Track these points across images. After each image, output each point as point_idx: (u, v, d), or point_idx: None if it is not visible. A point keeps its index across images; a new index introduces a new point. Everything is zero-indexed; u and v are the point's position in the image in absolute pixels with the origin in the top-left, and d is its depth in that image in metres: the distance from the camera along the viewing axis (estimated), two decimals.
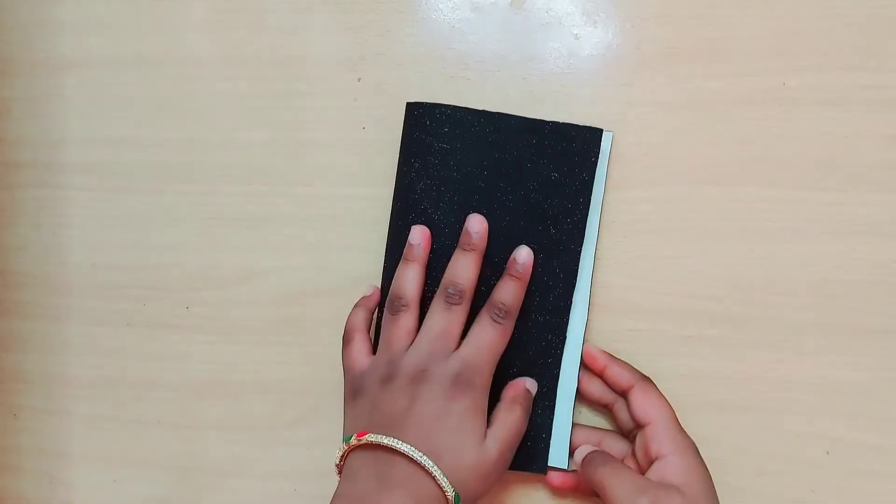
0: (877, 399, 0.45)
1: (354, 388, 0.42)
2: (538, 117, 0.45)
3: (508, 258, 0.44)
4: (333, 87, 0.49)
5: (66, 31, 0.52)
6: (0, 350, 0.53)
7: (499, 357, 0.42)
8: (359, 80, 0.49)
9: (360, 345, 0.44)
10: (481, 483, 0.40)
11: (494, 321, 0.41)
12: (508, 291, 0.42)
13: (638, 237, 0.46)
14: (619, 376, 0.44)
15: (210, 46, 0.50)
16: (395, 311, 0.43)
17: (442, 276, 0.43)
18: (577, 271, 0.45)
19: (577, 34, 0.47)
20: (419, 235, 0.44)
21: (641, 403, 0.43)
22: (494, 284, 0.44)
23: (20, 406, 0.53)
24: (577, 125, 0.45)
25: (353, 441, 0.39)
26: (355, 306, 0.46)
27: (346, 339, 0.45)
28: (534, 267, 0.44)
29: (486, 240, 0.43)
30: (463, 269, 0.42)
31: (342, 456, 0.41)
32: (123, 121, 0.51)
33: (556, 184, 0.45)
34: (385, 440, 0.38)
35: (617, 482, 0.40)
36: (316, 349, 0.49)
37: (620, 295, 0.46)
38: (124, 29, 0.51)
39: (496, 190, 0.45)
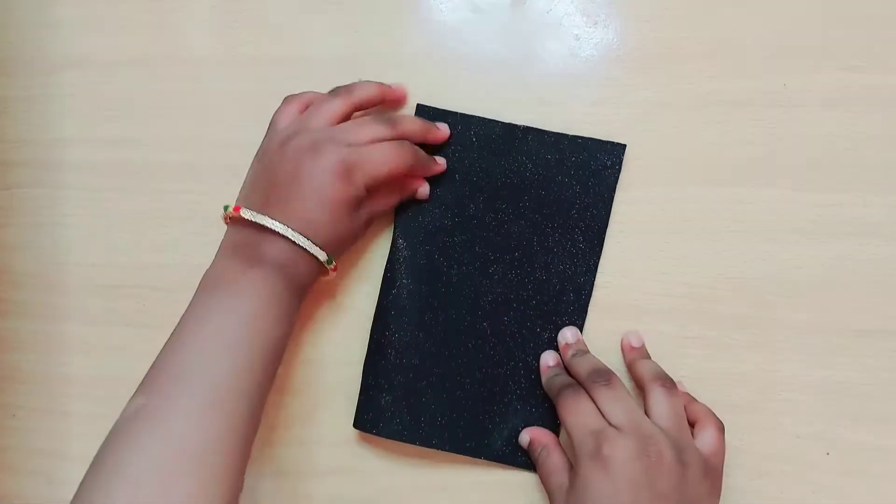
0: (877, 399, 0.45)
1: (262, 143, 0.45)
2: (539, 118, 0.46)
3: (520, 262, 0.46)
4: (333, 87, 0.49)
5: (65, 31, 0.52)
6: None
7: (388, 173, 0.43)
8: (359, 80, 0.49)
9: (289, 107, 0.45)
10: (352, 242, 0.45)
11: (403, 147, 0.43)
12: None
13: (638, 237, 0.46)
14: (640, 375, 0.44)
15: (210, 46, 0.50)
16: (334, 94, 0.45)
17: (437, 275, 0.45)
18: (594, 279, 0.46)
19: (577, 35, 0.47)
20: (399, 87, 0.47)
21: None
22: (502, 287, 0.46)
23: (19, 406, 0.53)
24: (600, 140, 0.46)
25: (229, 213, 0.42)
26: (312, 92, 0.47)
27: (287, 100, 0.46)
28: (551, 274, 0.46)
29: (441, 139, 0.47)
30: (412, 121, 0.45)
31: (224, 219, 0.43)
32: (122, 120, 0.51)
33: (576, 195, 0.46)
34: (257, 218, 0.41)
35: (574, 417, 0.41)
36: (316, 349, 0.49)
37: (620, 295, 0.46)
38: (124, 28, 0.51)
39: (513, 199, 0.46)
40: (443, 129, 0.47)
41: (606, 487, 0.37)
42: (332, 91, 0.45)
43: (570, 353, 0.45)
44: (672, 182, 0.46)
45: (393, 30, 0.49)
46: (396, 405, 0.46)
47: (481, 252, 0.47)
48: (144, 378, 0.38)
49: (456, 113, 0.47)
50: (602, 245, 0.46)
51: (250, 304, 0.39)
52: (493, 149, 0.47)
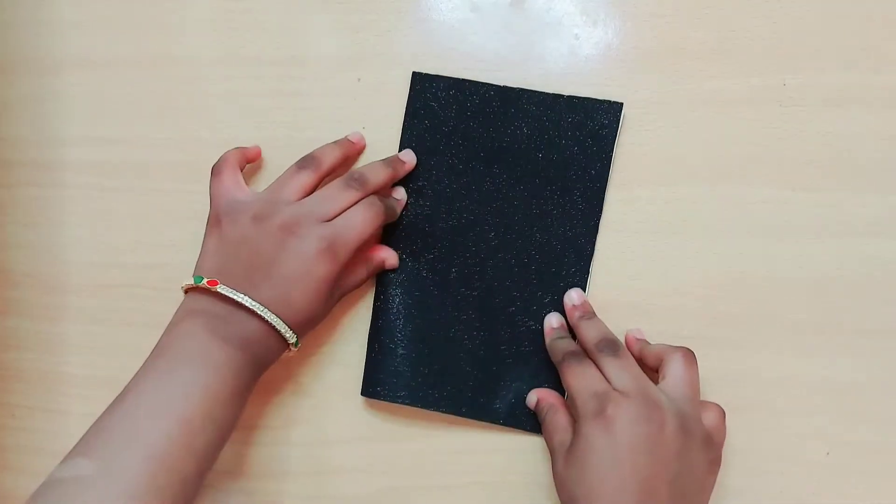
0: (877, 399, 0.45)
1: (224, 214, 0.43)
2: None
3: (519, 226, 0.46)
4: (333, 87, 0.49)
5: (65, 31, 0.52)
6: None
7: (365, 237, 0.43)
8: (359, 80, 0.49)
9: (232, 176, 0.45)
10: (319, 321, 0.44)
11: (374, 207, 0.44)
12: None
13: (638, 237, 0.46)
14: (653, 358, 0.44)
15: (210, 46, 0.50)
16: (302, 167, 0.45)
17: (438, 242, 0.47)
18: (595, 241, 0.46)
19: (577, 34, 0.47)
20: (358, 138, 0.48)
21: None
22: (503, 252, 0.46)
23: (18, 405, 0.53)
24: (597, 99, 0.46)
25: (204, 284, 0.41)
26: (232, 150, 0.47)
27: (217, 171, 0.46)
28: (551, 236, 0.46)
29: (408, 169, 0.47)
30: (376, 172, 0.45)
31: (186, 289, 0.43)
32: (122, 120, 0.51)
33: (574, 156, 0.46)
34: (236, 296, 0.40)
35: (579, 381, 0.41)
36: (315, 349, 0.49)
37: (620, 295, 0.46)
38: (124, 28, 0.51)
39: (511, 162, 0.47)
40: (407, 159, 0.47)
41: (607, 448, 0.38)
42: (297, 162, 0.45)
43: (576, 314, 0.45)
44: (672, 181, 0.46)
45: (393, 30, 0.49)
46: (402, 371, 0.47)
47: (480, 217, 0.47)
48: (87, 435, 0.38)
49: (449, 78, 0.47)
50: (602, 205, 0.46)
51: (211, 382, 0.39)
52: (487, 112, 0.47)
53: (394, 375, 0.47)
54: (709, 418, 0.41)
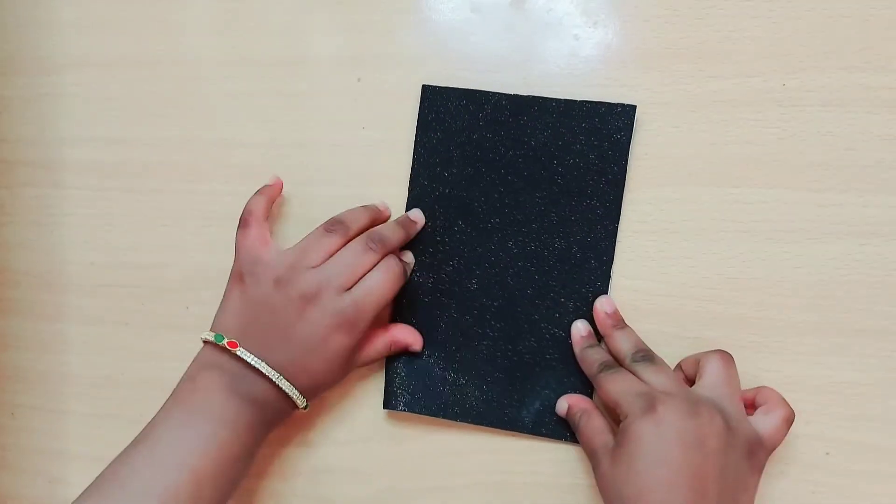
0: (877, 399, 0.45)
1: (248, 273, 0.44)
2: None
3: (538, 234, 0.46)
4: (333, 87, 0.49)
5: (66, 31, 0.52)
6: None
7: (386, 302, 0.44)
8: (359, 80, 0.49)
9: (259, 231, 0.46)
10: (332, 387, 0.45)
11: (392, 270, 0.44)
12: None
13: (638, 237, 0.46)
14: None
15: (210, 46, 0.50)
16: (330, 231, 0.45)
17: (457, 254, 0.47)
18: (614, 247, 0.46)
19: (577, 35, 0.47)
20: (385, 207, 0.48)
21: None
22: (523, 260, 0.47)
23: (18, 405, 0.53)
24: (609, 103, 0.46)
25: (224, 345, 0.42)
26: (257, 193, 0.47)
27: (244, 222, 0.46)
28: (571, 243, 0.46)
29: (418, 229, 0.47)
30: (394, 232, 0.46)
31: (206, 341, 0.44)
32: (123, 120, 0.51)
33: (590, 162, 0.46)
34: (253, 361, 0.42)
35: (619, 386, 0.41)
36: None
37: (620, 296, 0.46)
38: (124, 28, 0.51)
39: (526, 170, 0.47)
40: (417, 218, 0.48)
41: (658, 444, 0.38)
42: (324, 224, 0.45)
43: (609, 324, 0.45)
44: (672, 182, 0.46)
45: (393, 30, 0.49)
46: (425, 384, 0.47)
47: (498, 227, 0.47)
48: (100, 481, 0.39)
49: (459, 89, 0.47)
50: (620, 209, 0.46)
51: (225, 438, 0.40)
52: (500, 121, 0.47)
53: (417, 388, 0.47)
54: (765, 422, 0.41)
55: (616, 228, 0.46)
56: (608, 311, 0.45)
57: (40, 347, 0.52)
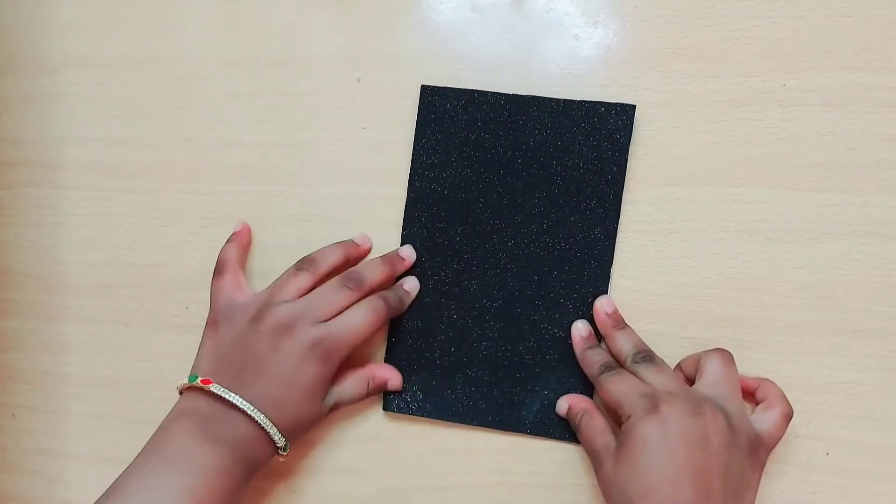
0: (877, 399, 0.45)
1: (222, 317, 0.45)
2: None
3: (538, 234, 0.46)
4: (333, 87, 0.49)
5: (65, 31, 0.52)
6: None
7: (363, 338, 0.43)
8: (359, 80, 0.49)
9: (233, 277, 0.46)
10: (311, 427, 0.45)
11: (373, 307, 0.44)
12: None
13: (638, 237, 0.46)
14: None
15: (210, 46, 0.50)
16: (299, 269, 0.45)
17: (456, 254, 0.47)
18: (614, 247, 0.46)
19: (577, 35, 0.47)
20: (363, 240, 0.48)
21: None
22: (523, 260, 0.47)
23: (18, 406, 0.53)
24: (608, 103, 0.46)
25: (197, 384, 0.42)
26: (228, 241, 0.48)
27: (219, 270, 0.47)
28: (571, 243, 0.46)
29: (408, 266, 0.47)
30: (372, 270, 0.46)
31: (184, 388, 0.43)
32: (122, 120, 0.51)
33: (589, 161, 0.46)
34: (227, 395, 0.41)
35: (622, 386, 0.41)
36: None
37: (620, 295, 0.46)
38: (124, 28, 0.51)
39: (526, 170, 0.47)
40: (406, 255, 0.47)
41: (662, 443, 0.38)
42: (296, 264, 0.46)
43: (609, 324, 0.45)
44: (672, 182, 0.46)
45: (393, 30, 0.49)
46: (426, 385, 0.47)
47: (498, 227, 0.47)
48: None
49: (458, 89, 0.47)
50: (619, 209, 0.46)
51: (196, 487, 0.39)
52: (499, 122, 0.47)
53: (416, 389, 0.47)
54: (764, 419, 0.41)
55: (616, 228, 0.46)
56: (608, 312, 0.45)
57: (40, 348, 0.52)
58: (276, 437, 0.42)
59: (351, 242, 0.47)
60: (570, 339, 0.46)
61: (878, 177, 0.45)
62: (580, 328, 0.46)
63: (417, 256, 0.48)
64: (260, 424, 0.41)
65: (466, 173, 0.47)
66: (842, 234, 0.45)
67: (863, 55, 0.44)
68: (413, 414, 0.47)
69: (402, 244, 0.48)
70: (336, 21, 0.49)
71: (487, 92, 0.47)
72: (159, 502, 0.38)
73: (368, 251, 0.48)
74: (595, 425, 0.43)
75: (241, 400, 0.41)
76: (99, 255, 0.52)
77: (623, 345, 0.44)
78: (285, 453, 0.43)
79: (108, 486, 0.39)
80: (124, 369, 0.52)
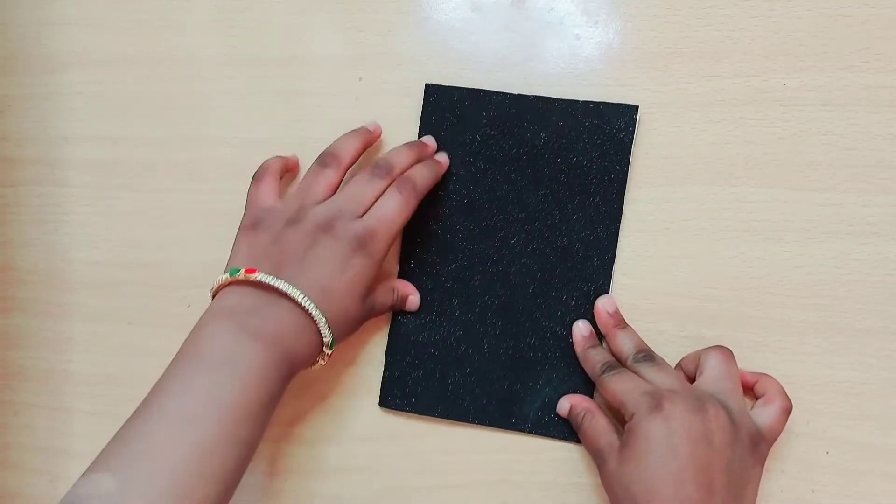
0: (877, 399, 0.45)
1: (256, 221, 0.43)
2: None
3: (540, 232, 0.46)
4: (334, 87, 0.49)
5: (68, 29, 0.52)
6: (1, 347, 0.53)
7: (400, 226, 0.43)
8: (360, 79, 0.49)
9: (271, 184, 0.45)
10: (352, 331, 0.43)
11: (402, 192, 0.43)
12: (419, 169, 0.45)
13: (638, 237, 0.46)
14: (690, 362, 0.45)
15: (211, 45, 0.51)
16: (324, 165, 0.44)
17: (459, 251, 0.47)
18: (616, 245, 0.46)
19: (578, 34, 0.47)
20: (375, 126, 0.47)
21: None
22: (526, 258, 0.47)
23: (21, 403, 0.53)
24: (612, 103, 0.46)
25: (240, 276, 0.39)
26: (273, 158, 0.48)
27: (258, 177, 0.46)
28: (573, 241, 0.46)
29: (432, 151, 0.47)
30: (401, 156, 0.45)
31: (220, 286, 0.40)
32: (125, 119, 0.52)
33: (592, 160, 0.46)
34: (275, 282, 0.39)
35: (624, 385, 0.41)
36: None
37: (621, 294, 0.46)
38: (126, 27, 0.52)
39: (529, 169, 0.47)
40: (430, 142, 0.47)
41: (666, 440, 0.38)
42: (318, 160, 0.45)
43: (611, 324, 0.45)
44: (672, 182, 0.46)
45: (393, 29, 0.49)
46: (426, 381, 0.47)
47: (501, 224, 0.47)
48: (108, 448, 0.36)
49: (463, 88, 0.47)
50: (622, 208, 0.46)
51: (237, 394, 0.36)
52: (503, 121, 0.47)
53: (416, 386, 0.47)
54: (764, 415, 0.42)
55: (618, 227, 0.46)
56: (610, 311, 0.45)
57: (43, 346, 0.53)
58: (325, 330, 0.40)
59: (364, 129, 0.47)
60: (571, 338, 0.46)
61: (878, 177, 0.45)
62: (581, 328, 0.46)
63: (420, 255, 0.48)
64: (309, 314, 0.39)
65: (470, 171, 0.47)
66: (842, 233, 0.45)
67: (862, 55, 0.44)
68: (411, 411, 0.47)
69: (403, 241, 0.48)
70: (337, 20, 0.49)
71: (491, 91, 0.47)
72: (197, 414, 0.36)
73: (380, 136, 0.48)
74: (597, 425, 0.43)
75: (290, 287, 0.39)
76: (101, 253, 0.52)
77: (624, 344, 0.44)
78: (329, 352, 0.41)
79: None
80: (127, 367, 0.52)
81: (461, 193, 0.47)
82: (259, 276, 0.39)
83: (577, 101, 0.46)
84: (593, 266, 0.46)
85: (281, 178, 0.47)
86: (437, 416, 0.47)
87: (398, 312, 0.48)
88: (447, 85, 0.48)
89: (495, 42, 0.48)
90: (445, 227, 0.48)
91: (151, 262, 0.51)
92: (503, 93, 0.47)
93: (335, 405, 0.49)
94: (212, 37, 0.51)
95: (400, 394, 0.47)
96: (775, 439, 0.42)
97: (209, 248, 0.50)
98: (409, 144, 0.46)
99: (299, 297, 0.39)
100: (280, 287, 0.39)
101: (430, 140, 0.47)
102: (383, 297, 0.45)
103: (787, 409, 0.42)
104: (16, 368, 0.53)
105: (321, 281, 0.40)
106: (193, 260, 0.51)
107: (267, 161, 0.47)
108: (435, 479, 0.48)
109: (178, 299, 0.51)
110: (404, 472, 0.48)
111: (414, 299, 0.47)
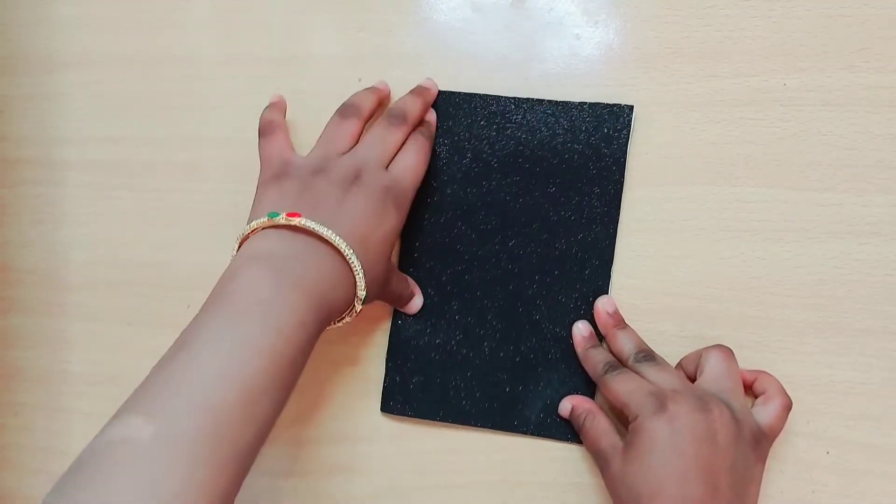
0: (877, 399, 0.45)
1: (279, 171, 0.42)
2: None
3: (538, 234, 0.46)
4: (334, 87, 0.49)
5: (67, 29, 0.52)
6: (1, 347, 0.53)
7: (420, 179, 0.44)
8: (359, 79, 0.49)
9: (283, 136, 0.45)
10: (380, 291, 0.42)
11: (420, 144, 0.44)
12: (414, 106, 0.45)
13: (638, 237, 0.46)
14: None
15: (211, 45, 0.51)
16: (345, 116, 0.44)
17: (457, 254, 0.47)
18: (614, 246, 0.46)
19: (578, 34, 0.47)
20: (384, 85, 0.48)
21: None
22: (524, 260, 0.47)
23: (21, 404, 0.53)
24: (607, 104, 0.46)
25: (281, 219, 0.38)
26: (268, 107, 0.47)
27: (266, 131, 0.45)
28: (571, 243, 0.46)
29: (435, 93, 0.47)
30: (411, 105, 0.45)
31: (252, 231, 0.39)
32: (124, 119, 0.52)
33: (589, 161, 0.46)
34: (319, 228, 0.37)
35: (627, 386, 0.41)
36: (316, 347, 0.49)
37: (620, 294, 0.46)
38: (125, 27, 0.52)
39: (527, 170, 0.47)
40: (430, 85, 0.48)
41: (670, 440, 0.38)
42: (338, 112, 0.45)
43: (611, 324, 0.45)
44: (672, 182, 0.46)
45: (393, 29, 0.49)
46: (427, 386, 0.47)
47: (499, 227, 0.47)
48: (138, 393, 0.34)
49: (460, 93, 0.48)
50: (619, 208, 0.46)
51: (274, 341, 0.35)
52: (501, 123, 0.47)
53: (417, 390, 0.47)
54: (765, 412, 0.42)
55: (616, 228, 0.46)
56: (609, 311, 0.45)
57: (42, 346, 0.53)
58: (361, 283, 0.39)
59: (376, 87, 0.47)
60: (572, 339, 0.46)
61: (878, 177, 0.45)
62: (581, 328, 0.46)
63: (419, 256, 0.48)
64: (349, 264, 0.38)
65: (467, 173, 0.47)
66: (842, 233, 0.45)
67: (862, 55, 0.44)
68: (412, 416, 0.47)
69: (402, 243, 0.48)
70: (337, 20, 0.49)
71: (488, 95, 0.47)
72: (234, 360, 0.34)
73: (390, 93, 0.48)
74: (600, 425, 0.43)
75: (334, 235, 0.37)
76: (101, 253, 0.52)
77: (624, 344, 0.44)
78: (359, 309, 0.40)
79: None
80: (126, 367, 0.52)
81: (459, 197, 0.47)
82: (303, 221, 0.37)
83: (571, 103, 0.46)
84: (592, 267, 0.46)
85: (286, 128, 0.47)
86: (439, 421, 0.47)
87: (398, 317, 0.48)
88: (445, 90, 0.48)
89: (495, 42, 0.48)
90: (444, 230, 0.48)
91: (151, 262, 0.51)
92: (499, 96, 0.47)
93: (335, 405, 0.49)
94: (212, 37, 0.51)
95: (401, 399, 0.47)
96: (776, 437, 0.42)
97: (209, 248, 0.50)
98: (415, 92, 0.47)
99: (342, 246, 0.38)
100: (324, 234, 0.37)
101: (431, 83, 0.48)
102: (399, 282, 0.45)
103: (788, 406, 0.42)
104: (15, 369, 0.53)
105: (358, 231, 0.39)
106: (193, 260, 0.51)
107: (266, 113, 0.46)
108: (435, 480, 0.48)
109: (177, 299, 0.51)
110: (404, 473, 0.48)
111: (418, 301, 0.47)
